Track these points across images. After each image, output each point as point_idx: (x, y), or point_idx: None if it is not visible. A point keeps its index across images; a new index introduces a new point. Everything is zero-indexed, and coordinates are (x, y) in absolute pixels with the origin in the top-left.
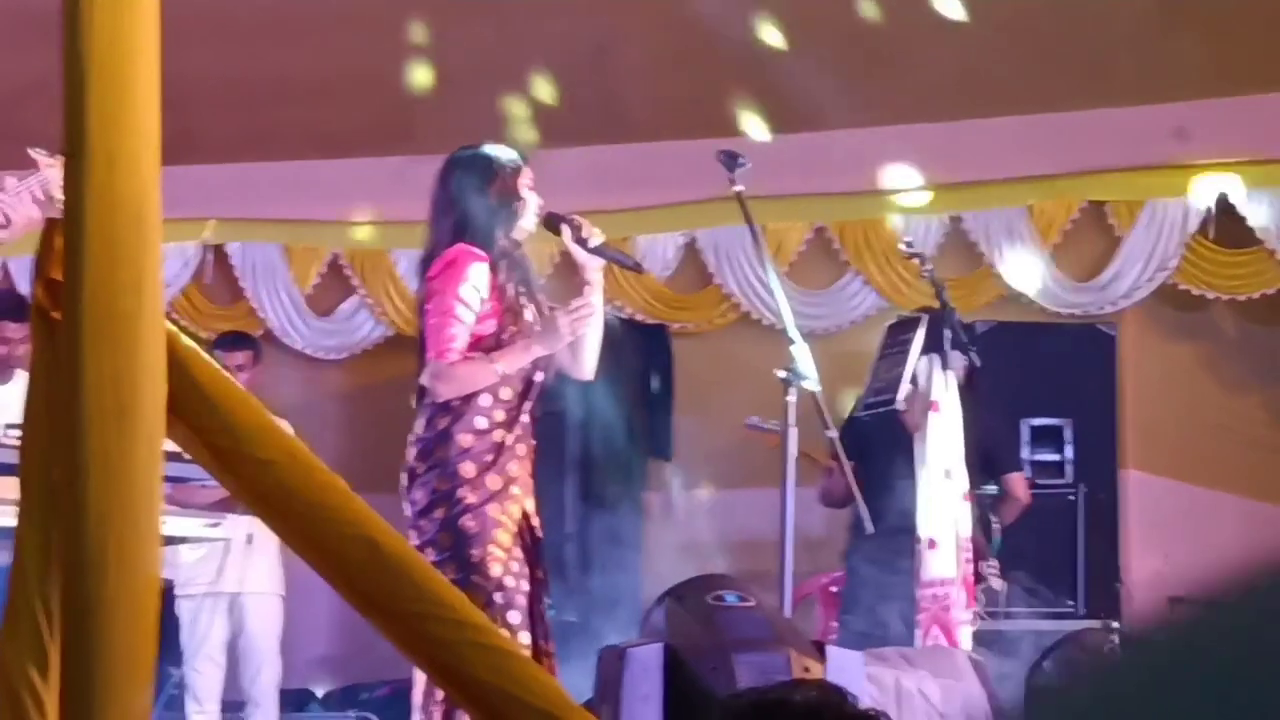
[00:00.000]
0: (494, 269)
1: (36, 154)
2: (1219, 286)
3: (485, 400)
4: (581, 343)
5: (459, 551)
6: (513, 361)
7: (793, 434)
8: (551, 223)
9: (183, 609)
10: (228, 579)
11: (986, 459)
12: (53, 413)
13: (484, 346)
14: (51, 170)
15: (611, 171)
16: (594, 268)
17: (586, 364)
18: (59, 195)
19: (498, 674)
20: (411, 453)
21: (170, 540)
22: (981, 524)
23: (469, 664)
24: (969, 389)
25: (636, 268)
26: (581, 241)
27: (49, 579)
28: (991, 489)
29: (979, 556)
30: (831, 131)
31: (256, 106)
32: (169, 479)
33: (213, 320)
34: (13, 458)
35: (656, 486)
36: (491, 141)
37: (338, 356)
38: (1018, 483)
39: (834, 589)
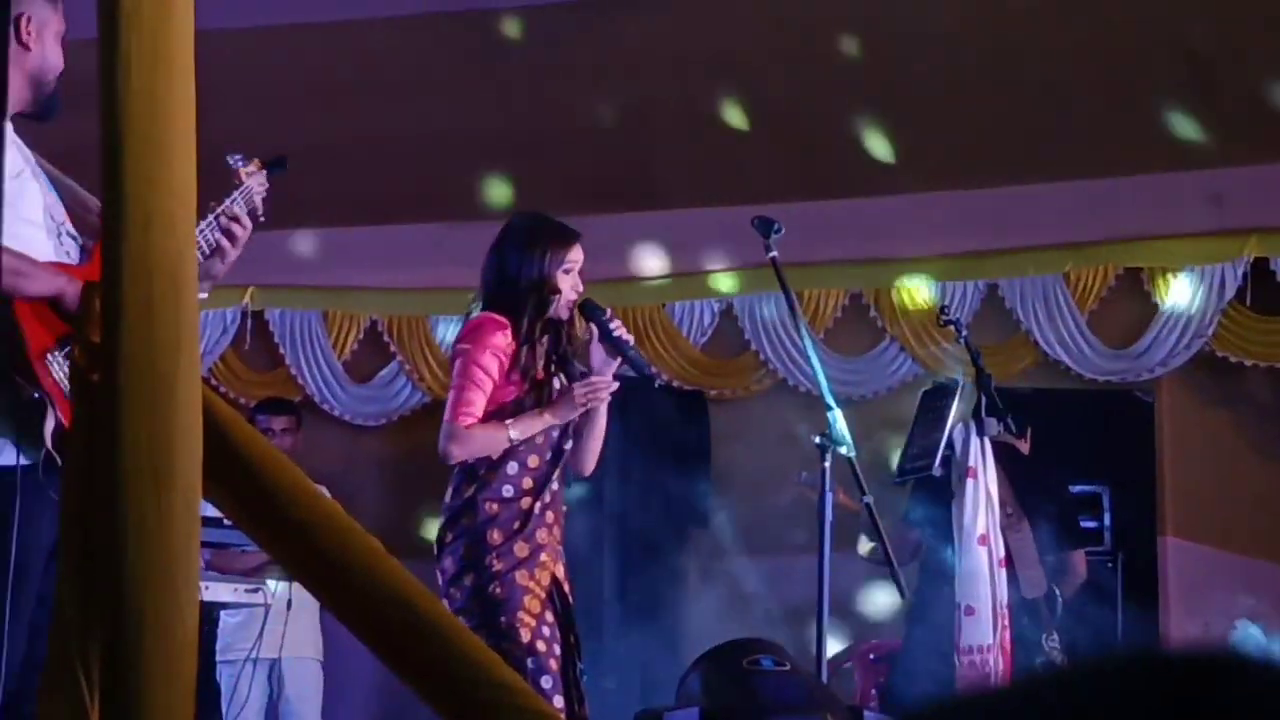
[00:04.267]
0: (518, 338)
1: (235, 161)
2: (1256, 354)
3: (512, 468)
4: (586, 440)
5: (488, 619)
6: (526, 428)
7: (829, 499)
8: (586, 311)
9: (223, 674)
10: (267, 644)
11: (1054, 530)
12: (91, 475)
13: (505, 414)
14: (253, 179)
15: (648, 238)
16: (606, 372)
17: (587, 461)
18: (260, 204)
19: None
20: (440, 521)
21: (211, 605)
22: (1046, 597)
23: None
24: (1025, 457)
25: (653, 378)
26: (609, 336)
27: (89, 639)
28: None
29: (1042, 629)
30: (868, 198)
31: (296, 172)
32: (209, 545)
33: (251, 386)
34: None
35: (694, 552)
36: (530, 207)
37: (376, 423)
38: (1079, 559)
39: (873, 656)
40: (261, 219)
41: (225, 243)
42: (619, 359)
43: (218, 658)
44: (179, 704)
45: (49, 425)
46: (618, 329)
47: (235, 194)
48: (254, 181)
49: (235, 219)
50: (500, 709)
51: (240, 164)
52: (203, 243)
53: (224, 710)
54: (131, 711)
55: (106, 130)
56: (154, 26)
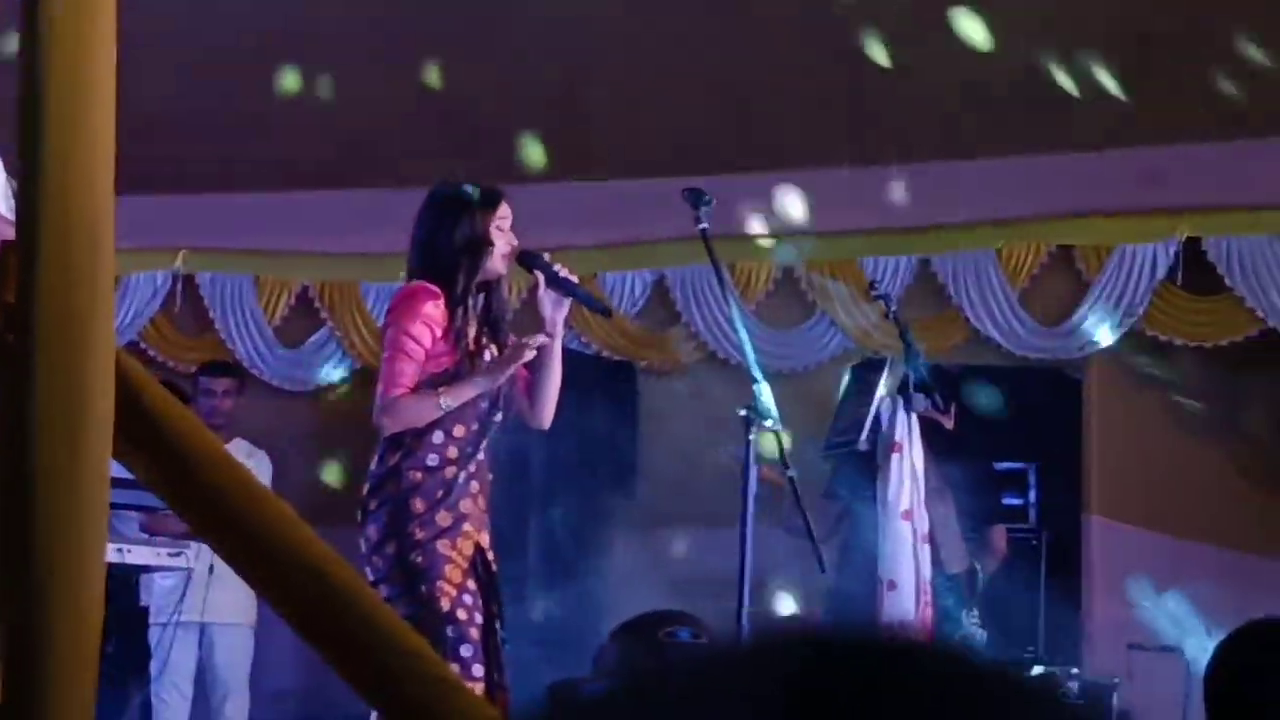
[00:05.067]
0: (450, 307)
1: None
2: (1186, 333)
3: (438, 437)
4: (541, 391)
5: (409, 587)
6: (457, 395)
7: (753, 472)
8: (525, 260)
9: (155, 637)
10: (194, 608)
11: (976, 506)
12: (1, 433)
13: (437, 383)
14: None
15: (580, 208)
16: (559, 317)
17: (544, 413)
18: None
19: (444, 707)
20: (365, 488)
21: (131, 569)
22: (967, 572)
23: (415, 697)
24: (950, 432)
25: (605, 311)
26: (555, 277)
27: None
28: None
29: (963, 605)
30: (801, 171)
31: (228, 137)
32: (142, 508)
33: (181, 350)
34: None
35: (620, 523)
36: (461, 175)
37: (305, 389)
38: (999, 535)
39: None
40: None
41: None
42: (569, 300)
43: (150, 620)
44: (83, 665)
45: None
46: (561, 270)
47: None
48: None
49: None
50: (411, 679)
51: None
52: None
53: (152, 672)
54: (33, 673)
55: (25, 91)
56: None
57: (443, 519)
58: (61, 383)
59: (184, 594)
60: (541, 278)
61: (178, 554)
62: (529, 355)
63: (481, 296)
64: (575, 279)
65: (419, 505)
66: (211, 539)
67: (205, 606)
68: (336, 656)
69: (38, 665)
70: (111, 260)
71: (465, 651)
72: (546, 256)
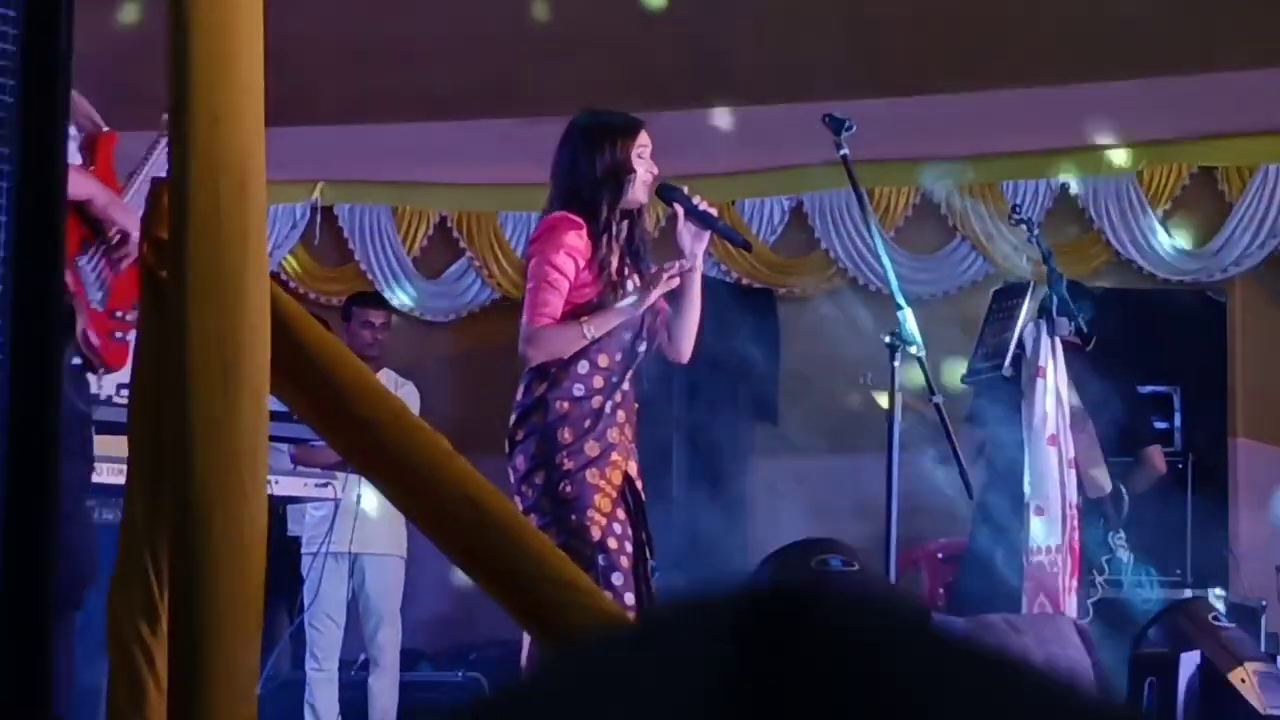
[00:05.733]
0: (593, 237)
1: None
2: None
3: (583, 367)
4: (680, 324)
5: (559, 516)
6: (601, 325)
7: (898, 398)
8: (665, 193)
9: (306, 566)
10: (342, 538)
11: (1121, 429)
12: (160, 371)
13: (581, 314)
14: None
15: (717, 135)
16: (698, 249)
17: (683, 346)
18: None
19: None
20: (512, 419)
21: (279, 500)
22: (1113, 496)
23: (572, 624)
24: (1092, 356)
25: (745, 245)
26: (695, 210)
27: (158, 535)
28: (1124, 459)
29: (1110, 527)
30: (939, 95)
31: (364, 68)
32: (291, 439)
33: (321, 282)
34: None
35: (763, 451)
36: (600, 103)
37: (445, 319)
38: (1156, 454)
39: (941, 556)
40: None
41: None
42: (709, 233)
43: (302, 549)
44: (247, 599)
45: (77, 330)
46: (701, 203)
47: (153, 154)
48: None
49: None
50: (567, 607)
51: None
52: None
53: (305, 600)
54: (200, 606)
55: (173, 29)
56: None
57: (590, 449)
58: (216, 319)
59: (332, 524)
60: (680, 211)
61: (325, 485)
62: (673, 283)
63: (624, 225)
64: (715, 211)
65: (567, 435)
66: (369, 471)
67: (354, 537)
68: (494, 586)
69: (205, 600)
70: (263, 194)
71: (616, 580)
72: (685, 189)
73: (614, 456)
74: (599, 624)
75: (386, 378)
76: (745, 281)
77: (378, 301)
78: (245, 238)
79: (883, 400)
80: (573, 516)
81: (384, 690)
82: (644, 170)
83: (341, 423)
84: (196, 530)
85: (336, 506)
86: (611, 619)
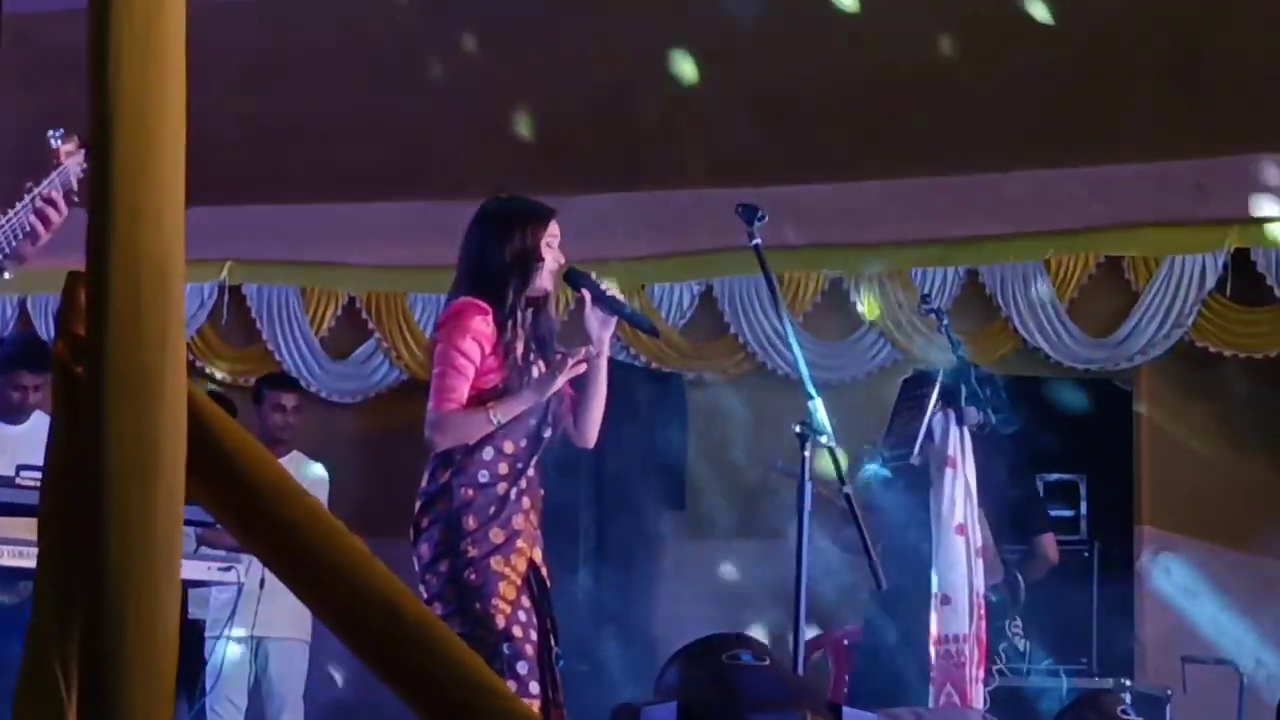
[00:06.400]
0: (499, 323)
1: (54, 139)
2: (1235, 344)
3: (488, 453)
4: (586, 410)
5: (464, 605)
6: (507, 410)
7: (808, 488)
8: (573, 279)
9: (209, 649)
10: (245, 622)
11: (1016, 517)
12: (73, 470)
13: (486, 399)
14: (71, 159)
15: (627, 219)
16: (605, 335)
17: (588, 431)
18: (76, 185)
19: None
20: (417, 506)
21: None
22: (1008, 583)
23: None
24: (987, 442)
25: (653, 331)
26: (602, 296)
27: (68, 637)
28: (1019, 548)
29: (1005, 615)
30: (849, 183)
31: (274, 147)
32: (198, 523)
33: (228, 361)
34: (26, 499)
35: (670, 534)
36: (511, 187)
37: (353, 400)
38: (1050, 543)
39: (847, 643)
40: (76, 201)
41: (39, 226)
42: (615, 318)
43: (206, 632)
44: (159, 703)
45: None
46: (608, 289)
47: (53, 175)
48: (72, 161)
49: (51, 202)
50: (481, 711)
51: (59, 141)
52: (16, 226)
53: (206, 684)
54: (110, 712)
55: (95, 121)
56: (145, 19)
57: (495, 535)
58: (133, 416)
59: (235, 607)
60: (589, 296)
61: (228, 568)
62: (579, 369)
63: (529, 312)
64: (622, 298)
65: (471, 522)
66: (284, 574)
67: (257, 620)
68: (408, 690)
69: (116, 706)
70: (181, 292)
71: (522, 669)
72: (593, 274)
73: (519, 543)
74: None
75: (297, 459)
76: (654, 365)
77: (289, 384)
78: (164, 335)
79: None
80: (477, 604)
81: None
82: (551, 259)
83: (258, 523)
84: (109, 633)
85: (240, 590)
86: None
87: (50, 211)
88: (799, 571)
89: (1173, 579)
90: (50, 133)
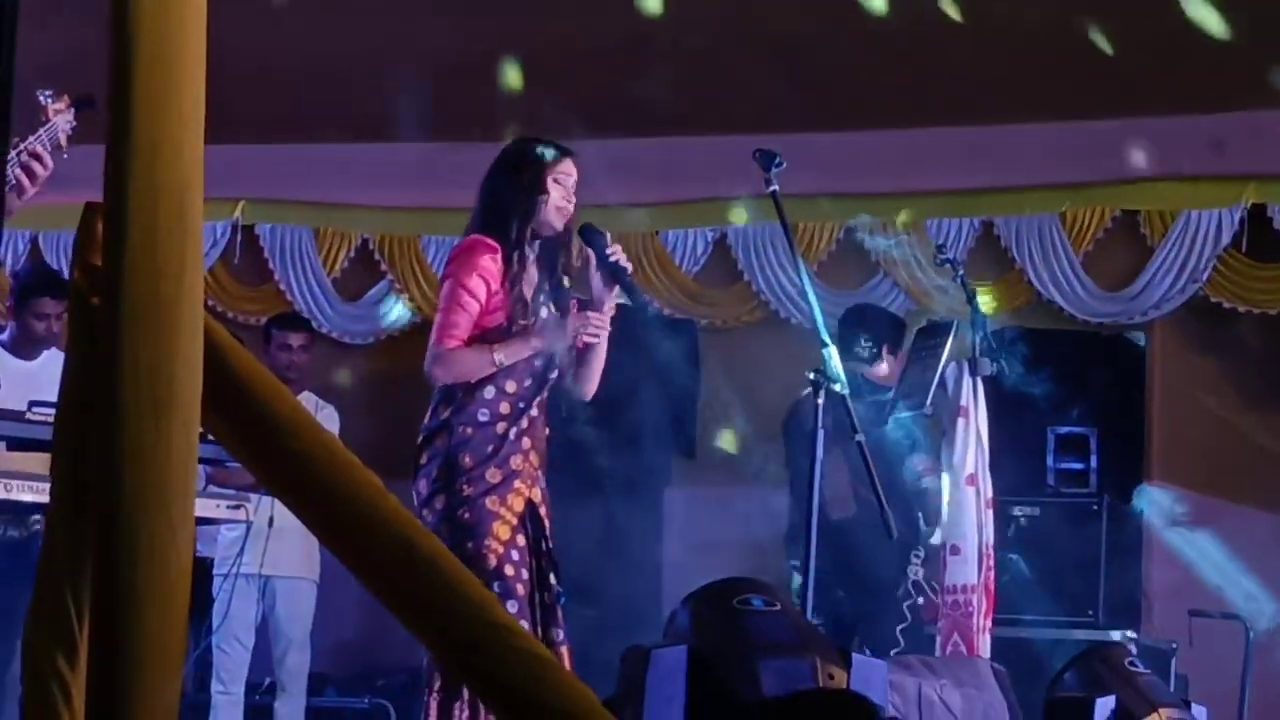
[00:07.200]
0: (507, 261)
1: (44, 97)
2: (1250, 300)
3: (489, 392)
4: (586, 365)
5: (456, 543)
6: (512, 353)
7: (820, 436)
8: (584, 234)
9: (216, 587)
10: (253, 560)
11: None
12: (88, 402)
13: (491, 338)
14: (60, 117)
15: (642, 165)
16: (607, 296)
17: (586, 387)
18: (65, 142)
19: (527, 677)
20: (418, 441)
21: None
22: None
23: (498, 666)
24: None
25: (646, 308)
26: (604, 260)
27: (80, 568)
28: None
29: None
30: (865, 132)
31: (291, 88)
32: (209, 461)
33: (240, 301)
34: (38, 434)
35: (680, 482)
36: (524, 130)
37: (364, 341)
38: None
39: None
40: (64, 156)
41: (24, 180)
42: (615, 286)
43: (214, 570)
44: (170, 637)
45: None
46: (615, 255)
47: (40, 131)
48: (60, 119)
49: (36, 156)
50: (493, 646)
51: (49, 100)
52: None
53: (213, 622)
54: (120, 642)
55: (115, 53)
56: None
57: (492, 475)
58: (149, 348)
59: (243, 546)
60: (594, 256)
61: (237, 507)
62: (591, 339)
63: (538, 248)
64: (629, 267)
65: (468, 460)
66: (298, 507)
67: (265, 559)
68: (420, 624)
69: (127, 632)
70: (200, 225)
71: (511, 608)
72: (607, 236)
73: (516, 484)
74: (527, 666)
75: (307, 400)
76: (666, 311)
77: (297, 324)
78: (181, 268)
79: None
80: (469, 543)
81: (289, 715)
82: (559, 195)
83: (273, 457)
84: (121, 564)
85: (249, 528)
86: (540, 662)
87: (36, 166)
88: (810, 519)
89: (1158, 511)
90: (40, 92)
